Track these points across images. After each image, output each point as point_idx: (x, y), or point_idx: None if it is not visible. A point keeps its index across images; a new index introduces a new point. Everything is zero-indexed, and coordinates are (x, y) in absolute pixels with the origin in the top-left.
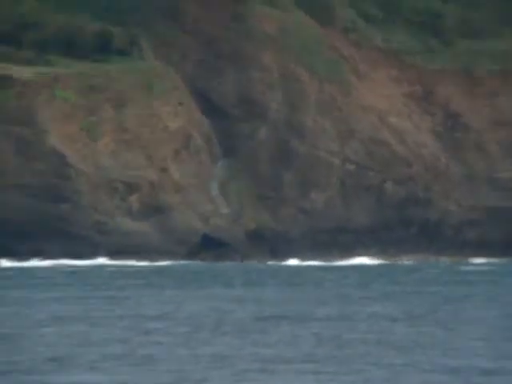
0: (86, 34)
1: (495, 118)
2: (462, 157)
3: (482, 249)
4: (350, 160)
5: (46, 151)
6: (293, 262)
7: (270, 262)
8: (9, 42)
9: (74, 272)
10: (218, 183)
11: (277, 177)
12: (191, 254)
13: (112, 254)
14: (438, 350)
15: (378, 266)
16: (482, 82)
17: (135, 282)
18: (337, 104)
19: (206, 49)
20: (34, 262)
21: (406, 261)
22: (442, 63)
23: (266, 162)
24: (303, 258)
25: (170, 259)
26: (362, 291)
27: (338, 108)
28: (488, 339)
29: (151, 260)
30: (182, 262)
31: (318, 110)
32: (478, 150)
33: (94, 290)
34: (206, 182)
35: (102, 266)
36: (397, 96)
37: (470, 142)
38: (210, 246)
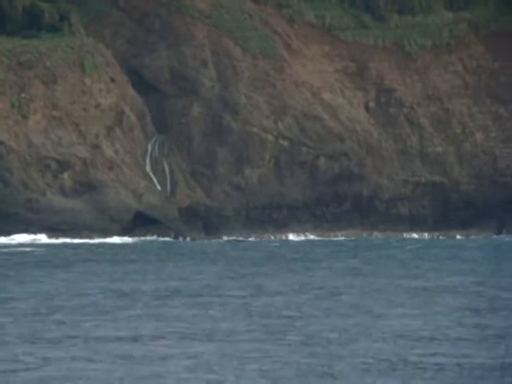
0: (15, 10)
1: (427, 93)
2: (394, 132)
3: (414, 224)
4: (284, 136)
5: None
6: (229, 238)
7: (215, 240)
8: None
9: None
10: (151, 160)
11: (210, 153)
12: (124, 232)
13: (45, 232)
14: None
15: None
16: (414, 58)
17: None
18: (270, 80)
19: (138, 25)
20: None
21: (340, 236)
22: (375, 39)
23: (199, 138)
24: (237, 235)
25: (103, 237)
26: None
27: (272, 84)
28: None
29: (85, 237)
30: (115, 238)
31: (251, 86)
32: (410, 124)
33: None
34: (140, 159)
35: (37, 244)
36: (330, 72)
37: (403, 117)
38: (143, 223)
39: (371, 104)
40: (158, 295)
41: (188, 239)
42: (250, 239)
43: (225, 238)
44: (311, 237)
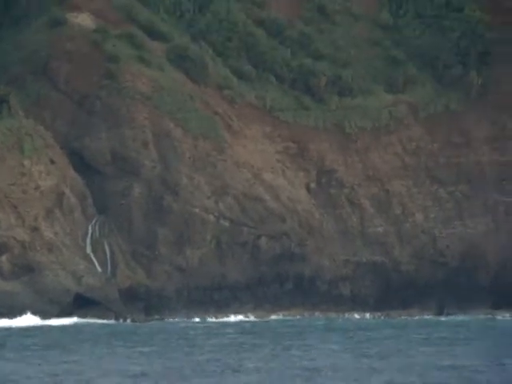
0: None
1: (367, 174)
2: (335, 212)
3: (356, 303)
4: (225, 216)
5: None
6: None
7: (166, 321)
8: None
9: None
10: (91, 241)
11: (151, 234)
12: (63, 314)
13: None
14: None
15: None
16: (355, 139)
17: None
18: (211, 160)
19: (78, 107)
20: None
21: (282, 316)
22: (315, 120)
23: (140, 219)
24: (179, 316)
25: (41, 318)
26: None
27: (212, 164)
28: None
29: (23, 320)
30: (53, 320)
31: (192, 166)
32: (351, 205)
33: None
34: (80, 240)
35: None
36: (271, 152)
37: (344, 198)
38: (82, 304)
39: (312, 185)
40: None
41: (128, 321)
42: (194, 320)
43: (169, 320)
44: (252, 318)
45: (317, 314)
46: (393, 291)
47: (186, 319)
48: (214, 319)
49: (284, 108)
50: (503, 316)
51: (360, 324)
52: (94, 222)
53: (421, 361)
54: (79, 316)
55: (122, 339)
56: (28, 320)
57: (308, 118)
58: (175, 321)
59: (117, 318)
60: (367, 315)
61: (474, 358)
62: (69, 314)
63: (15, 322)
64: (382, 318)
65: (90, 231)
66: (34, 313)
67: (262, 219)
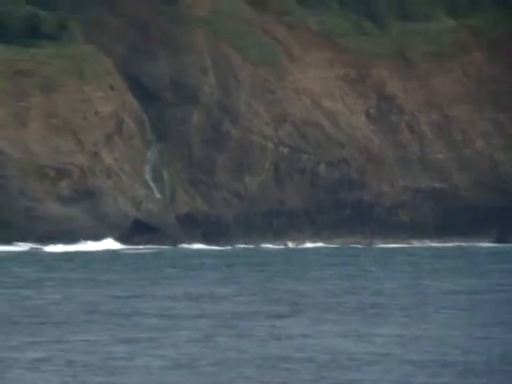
0: (14, 18)
1: (428, 100)
2: (395, 138)
3: (414, 231)
4: (284, 143)
5: None
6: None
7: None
8: None
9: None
10: (150, 168)
11: (210, 161)
12: (122, 239)
13: (41, 240)
14: None
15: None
16: (416, 65)
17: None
18: (270, 87)
19: (138, 32)
20: None
21: (340, 244)
22: (376, 46)
23: (198, 145)
24: (236, 242)
25: (101, 245)
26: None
27: (272, 91)
28: None
29: (82, 245)
30: (114, 246)
31: (252, 93)
32: (411, 131)
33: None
34: (139, 166)
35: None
36: (330, 79)
37: (403, 124)
38: (141, 230)
39: (372, 111)
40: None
41: (185, 246)
42: (248, 246)
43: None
44: (309, 244)
45: (375, 241)
46: (452, 218)
47: (243, 245)
48: (270, 245)
49: (344, 34)
50: None
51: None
52: (152, 148)
53: None
54: (137, 242)
55: (182, 265)
56: (88, 245)
57: (369, 44)
58: (235, 247)
59: (174, 244)
60: (426, 242)
61: None
62: (127, 240)
63: (75, 246)
64: (440, 244)
65: (148, 158)
66: (94, 238)
67: (321, 146)
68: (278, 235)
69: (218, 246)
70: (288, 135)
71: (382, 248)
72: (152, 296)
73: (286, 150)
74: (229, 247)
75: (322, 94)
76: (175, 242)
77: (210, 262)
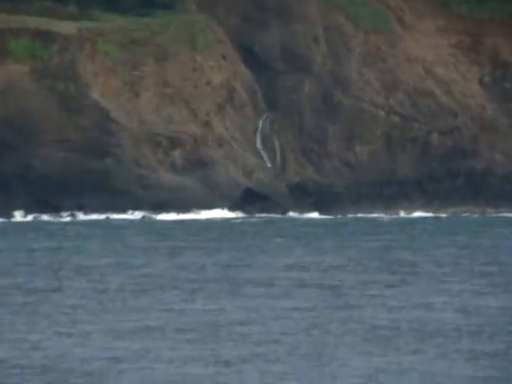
0: None
1: None
2: (509, 107)
3: None
4: (395, 112)
5: (88, 106)
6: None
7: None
8: None
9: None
10: (261, 137)
11: (321, 130)
12: (233, 208)
13: (154, 209)
14: None
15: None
16: None
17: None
18: (382, 55)
19: (251, 2)
20: (77, 217)
21: (453, 213)
22: (491, 12)
23: (309, 115)
24: (347, 212)
25: (212, 213)
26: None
27: (383, 59)
28: None
29: (194, 214)
30: (225, 214)
31: (363, 61)
32: None
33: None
34: (250, 135)
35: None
36: (443, 46)
37: None
38: (252, 199)
39: (486, 79)
40: None
41: (296, 215)
42: (359, 215)
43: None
44: (420, 213)
45: (488, 210)
46: None
47: (354, 214)
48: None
49: (458, 0)
50: None
51: None
52: (264, 117)
53: None
54: (248, 210)
55: (292, 234)
56: (200, 214)
57: (483, 11)
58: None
59: (284, 213)
60: None
61: None
62: (238, 208)
63: (187, 215)
64: None
65: (260, 127)
66: (205, 207)
67: (434, 114)
68: (388, 204)
69: (329, 215)
70: (400, 104)
71: (496, 217)
72: (267, 263)
73: (397, 119)
74: (339, 216)
75: (434, 61)
76: (286, 210)
77: (320, 231)
